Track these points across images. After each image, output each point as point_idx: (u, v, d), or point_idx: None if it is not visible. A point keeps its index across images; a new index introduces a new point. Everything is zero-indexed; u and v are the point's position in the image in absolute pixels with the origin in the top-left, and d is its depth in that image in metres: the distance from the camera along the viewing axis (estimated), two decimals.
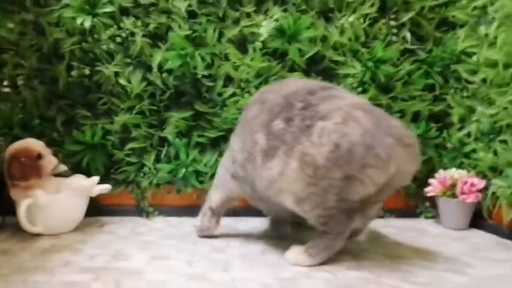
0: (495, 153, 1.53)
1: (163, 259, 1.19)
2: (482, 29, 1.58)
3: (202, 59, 1.65)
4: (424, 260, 1.24)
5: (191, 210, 1.71)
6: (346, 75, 1.72)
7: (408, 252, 1.32)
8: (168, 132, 1.67)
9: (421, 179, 1.77)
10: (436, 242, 1.43)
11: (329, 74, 1.74)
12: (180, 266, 1.14)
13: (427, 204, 1.79)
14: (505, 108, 1.48)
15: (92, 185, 1.44)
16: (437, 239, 1.48)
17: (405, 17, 1.74)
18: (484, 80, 1.58)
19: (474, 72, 1.63)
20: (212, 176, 1.69)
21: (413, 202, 1.81)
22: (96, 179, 1.46)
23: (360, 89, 1.72)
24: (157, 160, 1.68)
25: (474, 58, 1.62)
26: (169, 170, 1.67)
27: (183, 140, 1.68)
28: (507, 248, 1.39)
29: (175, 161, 1.67)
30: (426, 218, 1.78)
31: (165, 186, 1.70)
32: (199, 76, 1.66)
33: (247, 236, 1.45)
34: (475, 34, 1.62)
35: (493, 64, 1.53)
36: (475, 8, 1.63)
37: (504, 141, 1.50)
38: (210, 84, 1.68)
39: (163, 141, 1.69)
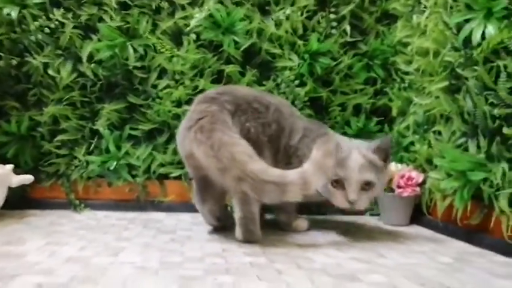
0: (430, 144, 1.47)
1: (58, 245, 1.14)
2: (415, 18, 1.54)
3: (135, 50, 1.63)
4: (335, 250, 1.18)
5: (123, 204, 1.67)
6: (284, 68, 1.69)
7: (324, 243, 1.25)
8: (100, 125, 1.64)
9: None
10: (362, 236, 1.36)
11: (266, 67, 1.71)
12: (69, 251, 1.09)
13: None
14: (437, 97, 1.43)
15: (6, 174, 1.42)
16: (367, 233, 1.41)
17: (345, 10, 1.71)
18: (417, 70, 1.54)
19: (410, 63, 1.59)
20: (146, 170, 1.66)
21: None
22: (10, 166, 1.43)
23: (297, 82, 1.68)
24: (89, 153, 1.65)
25: (409, 48, 1.58)
26: (100, 163, 1.64)
27: (115, 133, 1.65)
28: (434, 241, 1.32)
29: (106, 154, 1.64)
30: (371, 215, 1.71)
31: (97, 179, 1.67)
32: (131, 67, 1.64)
33: (167, 229, 1.40)
34: (410, 24, 1.58)
35: (425, 53, 1.48)
36: None
37: (438, 132, 1.44)
38: (143, 75, 1.66)
39: (95, 133, 1.66)
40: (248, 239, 1.21)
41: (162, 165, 1.67)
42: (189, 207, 1.68)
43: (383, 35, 1.73)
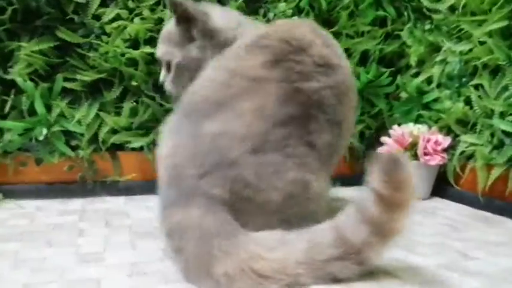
0: (467, 102, 1.20)
1: None
2: None
3: None
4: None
5: (61, 188, 1.19)
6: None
7: None
8: (17, 73, 1.10)
9: (370, 138, 1.41)
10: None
11: None
12: None
13: None
14: (483, 43, 1.14)
15: None
16: None
17: None
18: (452, 8, 1.22)
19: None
20: (93, 140, 1.18)
21: (360, 167, 1.44)
22: None
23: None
24: (3, 116, 1.11)
25: None
26: (22, 131, 1.11)
27: (42, 85, 1.12)
28: (495, 223, 1.07)
29: (30, 118, 1.12)
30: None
31: (18, 154, 1.14)
32: None
33: (144, 228, 0.97)
34: None
35: None
36: None
37: (480, 86, 1.17)
38: (80, 0, 1.13)
39: (11, 86, 1.11)
40: None
41: (114, 131, 1.20)
42: (155, 189, 1.25)
43: None
